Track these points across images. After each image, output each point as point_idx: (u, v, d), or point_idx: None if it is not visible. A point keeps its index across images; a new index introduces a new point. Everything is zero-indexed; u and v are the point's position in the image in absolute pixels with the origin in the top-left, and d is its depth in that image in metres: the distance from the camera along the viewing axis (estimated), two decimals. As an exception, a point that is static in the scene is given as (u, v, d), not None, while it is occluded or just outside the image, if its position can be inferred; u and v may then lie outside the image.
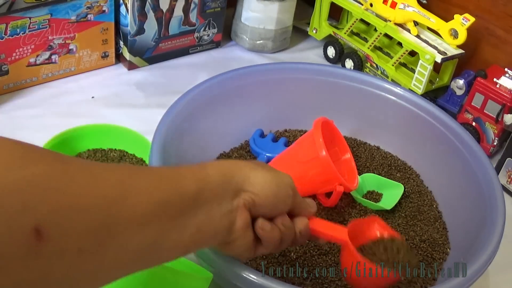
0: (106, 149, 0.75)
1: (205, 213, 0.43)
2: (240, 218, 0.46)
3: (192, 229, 0.42)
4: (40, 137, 0.69)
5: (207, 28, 1.03)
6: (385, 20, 0.96)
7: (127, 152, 0.75)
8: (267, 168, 0.49)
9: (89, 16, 0.89)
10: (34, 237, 0.30)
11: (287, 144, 0.81)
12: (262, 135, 0.81)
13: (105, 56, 0.95)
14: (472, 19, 0.88)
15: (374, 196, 0.76)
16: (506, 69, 0.86)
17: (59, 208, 0.32)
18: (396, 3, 0.95)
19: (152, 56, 0.99)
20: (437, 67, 0.93)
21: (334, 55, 1.08)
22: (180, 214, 0.41)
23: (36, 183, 0.31)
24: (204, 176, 0.44)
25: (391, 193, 0.75)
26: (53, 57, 0.89)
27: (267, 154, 0.78)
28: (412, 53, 0.96)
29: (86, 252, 0.33)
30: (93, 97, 0.90)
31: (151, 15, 0.93)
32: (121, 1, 0.91)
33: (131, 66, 0.97)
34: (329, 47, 1.09)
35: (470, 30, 0.90)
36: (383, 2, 0.96)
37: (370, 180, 0.77)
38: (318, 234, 0.54)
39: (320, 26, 1.09)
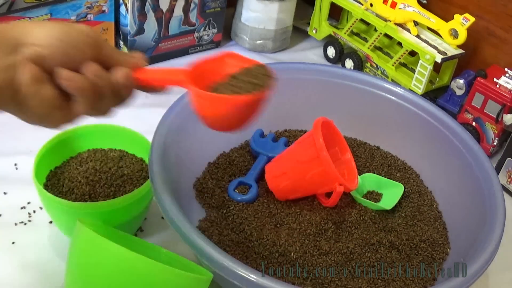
0: (106, 149, 0.75)
1: None
2: (24, 72, 0.42)
3: None
4: (40, 137, 0.69)
5: (207, 28, 1.03)
6: (385, 20, 0.96)
7: (127, 152, 0.75)
8: (58, 22, 0.45)
9: (89, 16, 0.89)
10: None
11: (287, 144, 0.81)
12: (262, 135, 0.81)
13: (105, 56, 0.95)
14: (472, 19, 0.89)
15: (374, 196, 0.76)
16: (506, 69, 0.86)
17: None
18: (396, 3, 0.95)
19: (152, 56, 0.99)
20: (437, 67, 0.93)
21: (334, 55, 1.08)
22: None
23: None
24: None
25: (391, 193, 0.75)
26: (53, 57, 0.89)
27: (268, 154, 0.78)
28: (412, 53, 0.96)
29: None
30: (93, 97, 0.90)
31: (151, 15, 0.93)
32: (121, 1, 0.91)
33: (131, 66, 0.97)
34: (329, 47, 1.09)
35: (470, 30, 0.90)
36: (383, 2, 0.96)
37: (370, 180, 0.77)
38: (149, 82, 0.49)
39: (320, 26, 1.09)
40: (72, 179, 0.67)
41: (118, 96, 0.48)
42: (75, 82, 0.44)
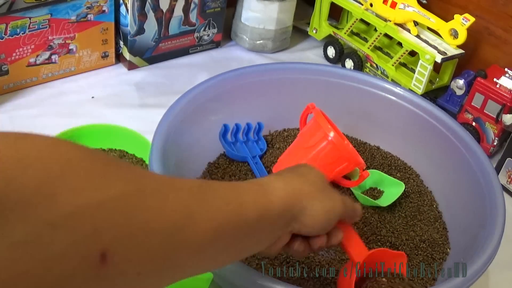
0: (106, 149, 0.75)
1: (256, 237, 0.45)
2: (281, 241, 0.48)
3: (240, 250, 0.44)
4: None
5: (207, 28, 1.03)
6: (385, 20, 0.96)
7: (127, 152, 0.75)
8: (325, 194, 0.50)
9: (89, 16, 0.89)
10: (99, 261, 0.30)
11: (256, 130, 0.81)
12: (225, 133, 0.79)
13: (105, 56, 0.95)
14: (472, 19, 0.88)
15: (375, 193, 0.76)
16: (506, 69, 0.86)
17: (127, 234, 0.32)
18: (396, 3, 0.95)
19: (152, 56, 0.99)
20: (437, 67, 0.93)
21: (334, 55, 1.08)
22: (236, 240, 0.42)
23: (109, 207, 0.31)
24: (267, 205, 0.44)
25: (392, 191, 0.75)
26: (53, 57, 0.89)
27: (252, 155, 0.78)
28: (412, 53, 0.96)
29: (145, 275, 0.33)
30: (93, 97, 0.90)
31: (151, 15, 0.93)
32: (121, 1, 0.91)
33: (131, 66, 0.97)
34: (329, 47, 1.09)
35: (470, 30, 0.90)
36: (383, 2, 0.96)
37: (372, 177, 0.77)
38: (342, 246, 0.55)
39: (320, 26, 1.09)
40: None
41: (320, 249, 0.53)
42: (301, 253, 0.51)
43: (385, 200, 0.74)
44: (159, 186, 0.36)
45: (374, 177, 0.77)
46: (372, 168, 0.80)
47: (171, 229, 0.35)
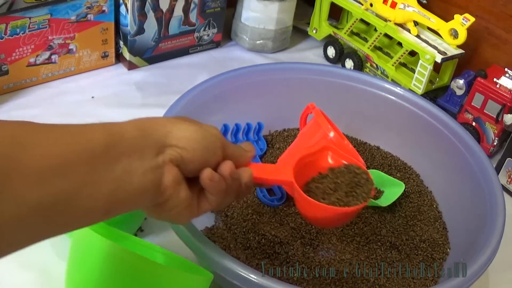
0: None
1: (123, 168, 0.40)
2: (169, 174, 0.43)
3: (110, 185, 0.39)
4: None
5: (207, 28, 1.03)
6: (385, 20, 0.96)
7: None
8: (189, 121, 0.47)
9: (89, 16, 0.89)
10: None
11: (255, 130, 0.81)
12: (225, 132, 0.78)
13: (105, 56, 0.95)
14: (472, 19, 0.88)
15: (375, 193, 0.76)
16: (506, 69, 0.86)
17: None
18: (396, 3, 0.95)
19: (152, 56, 0.99)
20: (437, 67, 0.93)
21: (334, 55, 1.08)
22: (90, 168, 0.38)
23: None
24: (118, 130, 0.41)
25: (392, 191, 0.75)
26: (53, 57, 0.89)
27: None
28: (412, 53, 0.96)
29: None
30: (93, 97, 0.90)
31: (151, 15, 0.93)
32: (121, 1, 0.91)
33: (131, 66, 0.97)
34: (329, 47, 1.09)
35: (470, 30, 0.90)
36: (383, 2, 0.96)
37: (372, 177, 0.77)
38: (262, 181, 0.52)
39: (320, 26, 1.09)
40: None
41: (239, 194, 0.50)
42: (217, 183, 0.46)
43: (385, 200, 0.74)
44: None
45: (374, 177, 0.77)
46: (372, 168, 0.80)
47: None
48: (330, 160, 0.56)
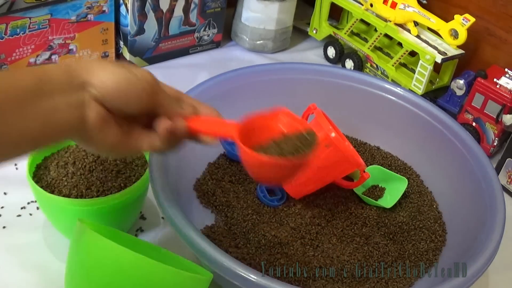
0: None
1: (48, 103, 0.44)
2: (92, 111, 0.46)
3: (38, 118, 0.43)
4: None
5: (207, 28, 1.03)
6: (385, 20, 0.96)
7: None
8: (119, 65, 0.48)
9: (89, 16, 0.89)
10: None
11: None
12: None
13: (105, 56, 0.95)
14: (472, 19, 0.89)
15: (377, 191, 0.76)
16: (506, 69, 0.86)
17: None
18: (396, 3, 0.95)
19: (152, 56, 0.99)
20: (437, 67, 0.93)
21: (334, 55, 1.08)
22: (18, 105, 0.42)
23: None
24: (43, 71, 0.45)
25: (394, 188, 0.75)
26: (53, 57, 0.89)
27: None
28: (412, 53, 0.96)
29: None
30: (93, 97, 0.90)
31: (151, 15, 0.93)
32: (121, 1, 0.91)
33: (131, 66, 0.97)
34: (329, 47, 1.09)
35: (470, 30, 0.90)
36: (383, 3, 0.96)
37: (374, 173, 0.77)
38: (200, 131, 0.52)
39: (320, 26, 1.09)
40: (59, 175, 0.65)
41: (173, 142, 0.52)
42: (159, 144, 0.50)
43: (388, 200, 0.74)
44: None
45: (376, 173, 0.77)
46: (372, 168, 0.80)
47: None
48: (282, 127, 0.54)
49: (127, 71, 0.47)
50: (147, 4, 0.92)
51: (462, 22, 0.89)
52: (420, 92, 0.92)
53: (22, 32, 0.83)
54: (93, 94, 0.46)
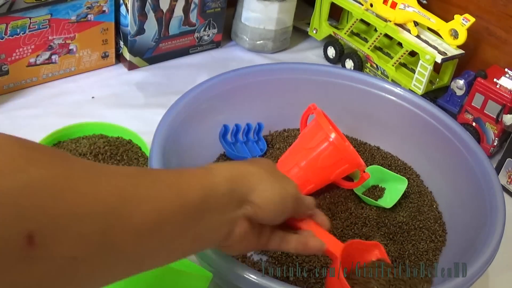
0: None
1: (206, 222, 0.43)
2: (239, 228, 0.46)
3: (193, 237, 0.42)
4: (40, 137, 0.69)
5: (207, 28, 1.03)
6: (385, 20, 0.96)
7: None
8: (274, 176, 0.48)
9: (89, 16, 0.89)
10: (26, 243, 0.30)
11: (255, 130, 0.81)
12: (225, 134, 0.79)
13: (105, 56, 0.95)
14: (472, 19, 0.88)
15: (377, 191, 0.76)
16: (506, 69, 0.86)
17: (55, 216, 0.31)
18: (396, 4, 0.95)
19: (152, 56, 0.99)
20: (437, 67, 0.93)
21: (334, 55, 1.08)
22: (183, 224, 0.40)
23: (34, 189, 0.31)
24: (210, 185, 0.43)
25: (394, 188, 0.75)
26: (53, 57, 0.89)
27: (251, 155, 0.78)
28: (412, 53, 0.96)
29: (82, 260, 0.33)
30: (93, 97, 0.90)
31: (151, 15, 0.93)
32: (121, 1, 0.91)
33: (131, 66, 0.97)
34: (329, 47, 1.09)
35: (470, 30, 0.90)
36: (383, 3, 0.96)
37: (374, 174, 0.77)
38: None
39: (320, 26, 1.09)
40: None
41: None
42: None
43: (388, 201, 0.74)
44: (89, 170, 0.35)
45: (375, 173, 0.77)
46: (372, 168, 0.80)
47: (105, 212, 0.34)
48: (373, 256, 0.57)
49: (281, 187, 0.48)
50: (147, 4, 0.92)
51: (462, 22, 0.89)
52: (420, 92, 0.92)
53: (22, 32, 0.83)
54: (247, 213, 0.46)
